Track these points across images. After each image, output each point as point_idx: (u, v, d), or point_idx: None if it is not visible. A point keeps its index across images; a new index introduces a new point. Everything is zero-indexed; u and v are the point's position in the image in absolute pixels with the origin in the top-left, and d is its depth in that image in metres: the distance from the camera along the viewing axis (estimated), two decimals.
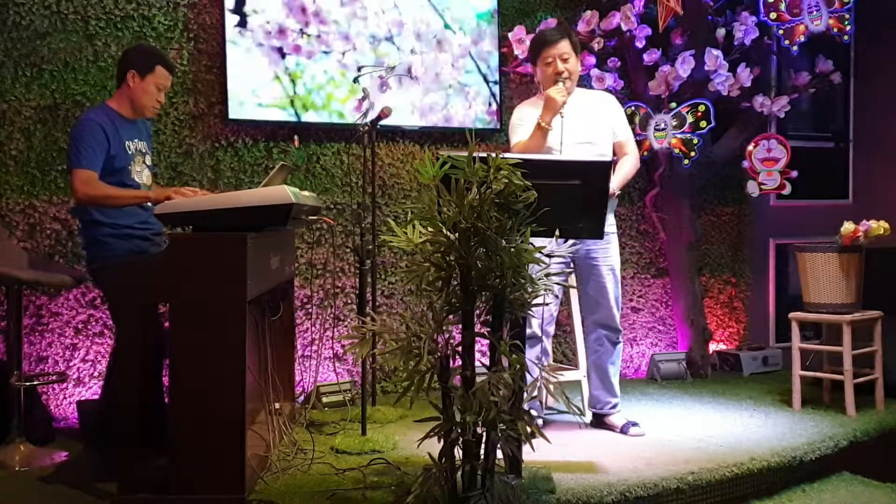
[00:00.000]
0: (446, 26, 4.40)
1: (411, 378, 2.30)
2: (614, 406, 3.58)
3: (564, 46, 3.40)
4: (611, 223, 3.50)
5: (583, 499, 2.71)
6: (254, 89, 4.02)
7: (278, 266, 3.16)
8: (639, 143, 4.54)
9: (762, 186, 4.59)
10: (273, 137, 4.19)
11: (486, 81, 4.49)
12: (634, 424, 3.50)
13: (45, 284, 3.45)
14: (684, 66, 4.37)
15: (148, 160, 3.20)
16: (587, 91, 3.68)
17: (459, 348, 2.37)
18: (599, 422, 3.60)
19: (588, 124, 3.45)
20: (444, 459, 2.32)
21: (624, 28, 4.44)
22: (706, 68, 4.38)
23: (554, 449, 2.83)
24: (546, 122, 3.32)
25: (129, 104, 3.12)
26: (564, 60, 3.39)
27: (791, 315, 4.00)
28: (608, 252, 3.49)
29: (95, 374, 3.84)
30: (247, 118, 4.05)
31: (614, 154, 3.53)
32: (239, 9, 3.99)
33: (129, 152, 3.08)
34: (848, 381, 3.81)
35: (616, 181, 3.45)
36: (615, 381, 3.58)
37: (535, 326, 3.40)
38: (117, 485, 2.61)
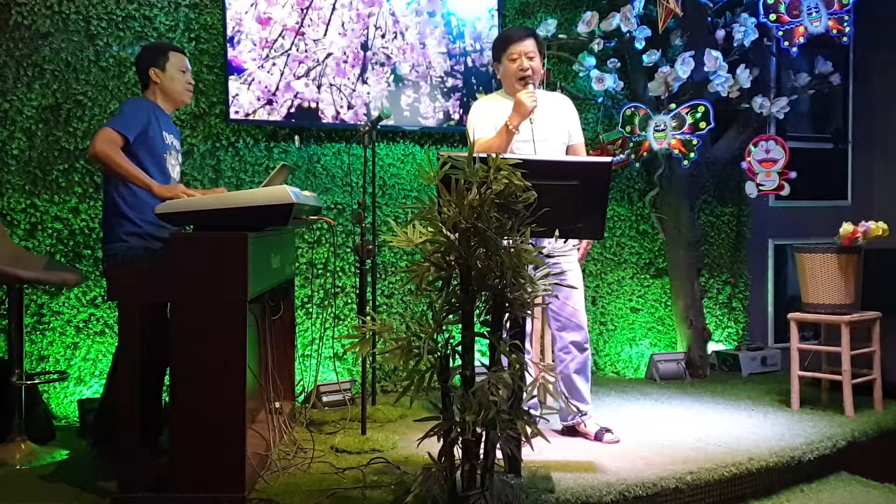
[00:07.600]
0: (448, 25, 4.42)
1: (411, 377, 2.31)
2: (584, 414, 3.41)
3: (530, 45, 3.37)
4: None
5: (582, 498, 2.72)
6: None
7: (279, 265, 3.17)
8: (638, 144, 4.57)
9: (760, 187, 4.60)
10: (274, 137, 4.20)
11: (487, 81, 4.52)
12: (608, 431, 3.38)
13: (46, 283, 3.46)
14: (684, 67, 4.38)
15: (179, 158, 3.24)
16: (544, 92, 3.61)
17: (459, 348, 2.38)
18: (572, 433, 3.45)
19: (549, 126, 3.39)
20: (443, 459, 2.33)
21: (623, 29, 4.45)
22: (706, 69, 4.39)
23: (553, 448, 2.84)
24: (514, 126, 3.25)
25: (163, 98, 3.17)
26: (530, 59, 3.35)
27: (790, 315, 4.01)
28: (570, 255, 3.38)
29: (96, 372, 3.85)
30: (248, 118, 4.07)
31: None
32: None
33: (167, 142, 3.12)
34: (846, 382, 3.82)
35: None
36: (583, 388, 3.41)
37: None
38: (117, 483, 2.61)
